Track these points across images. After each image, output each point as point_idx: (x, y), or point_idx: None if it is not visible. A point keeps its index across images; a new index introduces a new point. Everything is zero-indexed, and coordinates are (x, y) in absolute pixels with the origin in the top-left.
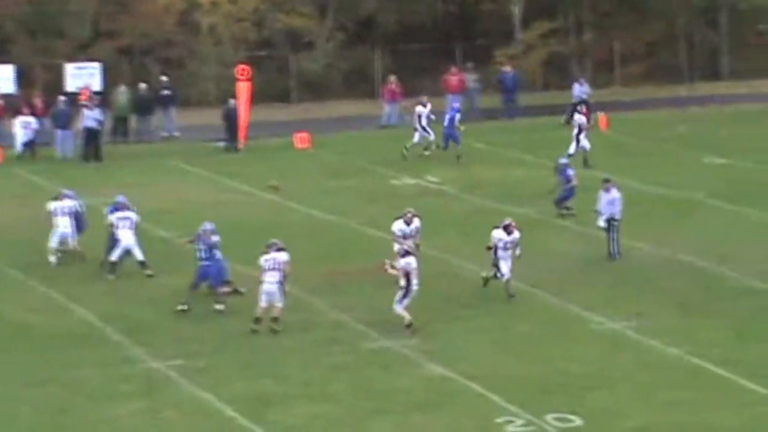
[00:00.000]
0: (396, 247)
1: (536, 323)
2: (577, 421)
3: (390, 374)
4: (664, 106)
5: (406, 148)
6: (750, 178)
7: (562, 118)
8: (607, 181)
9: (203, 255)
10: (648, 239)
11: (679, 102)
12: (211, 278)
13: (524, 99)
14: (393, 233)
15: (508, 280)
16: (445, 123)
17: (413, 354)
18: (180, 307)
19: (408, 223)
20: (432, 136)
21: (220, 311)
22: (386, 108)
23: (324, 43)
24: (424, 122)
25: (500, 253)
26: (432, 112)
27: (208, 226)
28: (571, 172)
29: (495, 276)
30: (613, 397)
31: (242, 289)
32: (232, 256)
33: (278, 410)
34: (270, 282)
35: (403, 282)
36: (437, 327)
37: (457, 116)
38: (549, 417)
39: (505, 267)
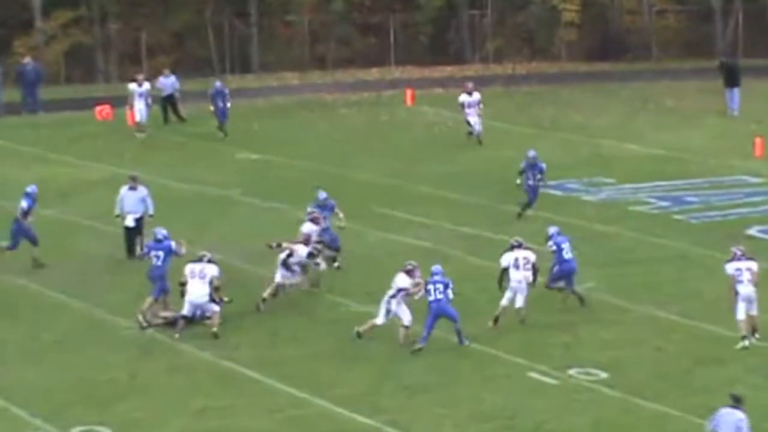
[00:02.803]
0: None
1: (62, 331)
2: None
3: None
4: (194, 100)
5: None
6: (283, 174)
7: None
8: (134, 179)
9: None
10: (184, 237)
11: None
12: None
13: (46, 92)
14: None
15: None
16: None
17: None
18: None
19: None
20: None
21: None
22: None
23: None
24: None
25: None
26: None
27: None
28: None
29: None
30: (144, 405)
31: None
32: None
33: None
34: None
35: None
36: None
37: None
38: (75, 430)
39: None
